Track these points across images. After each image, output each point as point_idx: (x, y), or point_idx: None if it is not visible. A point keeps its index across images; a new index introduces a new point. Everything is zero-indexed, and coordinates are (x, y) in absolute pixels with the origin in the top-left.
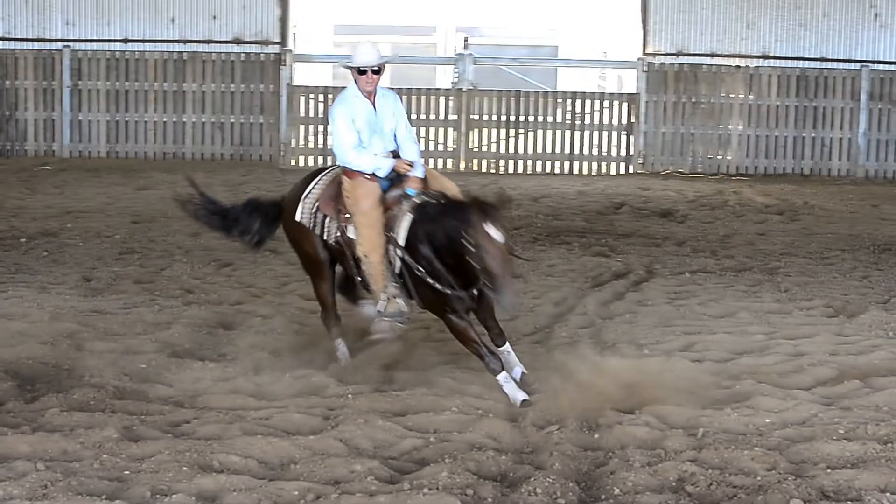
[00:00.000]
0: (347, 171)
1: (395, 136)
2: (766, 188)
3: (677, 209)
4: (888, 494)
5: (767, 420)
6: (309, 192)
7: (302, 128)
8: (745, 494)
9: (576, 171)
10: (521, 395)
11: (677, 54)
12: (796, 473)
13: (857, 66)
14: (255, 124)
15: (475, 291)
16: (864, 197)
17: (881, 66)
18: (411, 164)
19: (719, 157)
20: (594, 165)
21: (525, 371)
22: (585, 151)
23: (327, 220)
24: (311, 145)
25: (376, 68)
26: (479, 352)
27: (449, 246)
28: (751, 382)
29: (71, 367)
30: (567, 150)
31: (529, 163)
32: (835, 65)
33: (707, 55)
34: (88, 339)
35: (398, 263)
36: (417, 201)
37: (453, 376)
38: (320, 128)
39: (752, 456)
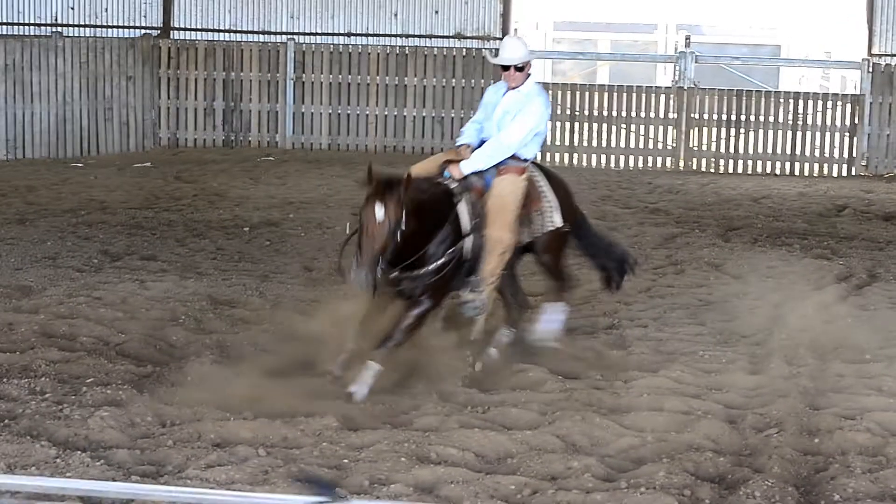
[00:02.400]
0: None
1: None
2: None
3: None
4: None
5: None
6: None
7: None
8: None
9: (797, 173)
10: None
11: None
12: None
13: None
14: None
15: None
16: None
17: None
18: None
19: None
20: (816, 167)
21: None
22: (807, 152)
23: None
24: None
25: (519, 65)
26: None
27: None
28: None
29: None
30: (788, 151)
31: (749, 163)
32: None
33: None
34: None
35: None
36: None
37: (672, 377)
38: None
39: None
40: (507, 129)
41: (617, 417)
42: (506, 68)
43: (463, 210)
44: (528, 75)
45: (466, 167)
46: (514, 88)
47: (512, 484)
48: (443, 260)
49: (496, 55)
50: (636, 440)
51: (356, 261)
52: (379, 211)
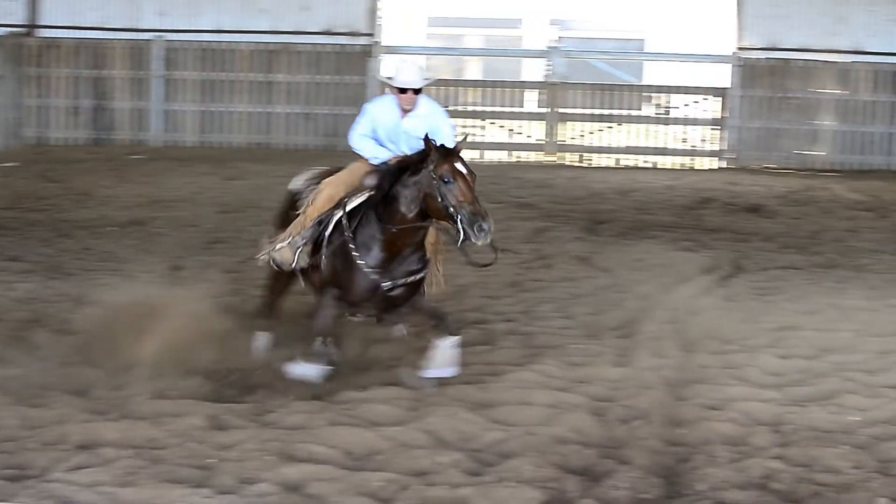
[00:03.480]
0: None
1: None
2: (857, 184)
3: (766, 205)
4: None
5: (854, 418)
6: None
7: None
8: (830, 492)
9: (664, 166)
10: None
11: (769, 49)
12: (883, 472)
13: None
14: (344, 115)
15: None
16: None
17: None
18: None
19: (809, 152)
20: (683, 160)
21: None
22: (675, 146)
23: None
24: None
25: (416, 88)
26: (323, 334)
27: (404, 196)
28: (838, 380)
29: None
30: (656, 145)
31: (618, 157)
32: None
33: (799, 50)
34: None
35: (328, 230)
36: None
37: (536, 370)
38: None
39: (839, 454)
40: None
41: (485, 412)
42: (403, 91)
43: None
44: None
45: None
46: (407, 111)
47: (379, 480)
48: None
49: (393, 79)
50: (504, 434)
51: (473, 218)
52: (465, 167)
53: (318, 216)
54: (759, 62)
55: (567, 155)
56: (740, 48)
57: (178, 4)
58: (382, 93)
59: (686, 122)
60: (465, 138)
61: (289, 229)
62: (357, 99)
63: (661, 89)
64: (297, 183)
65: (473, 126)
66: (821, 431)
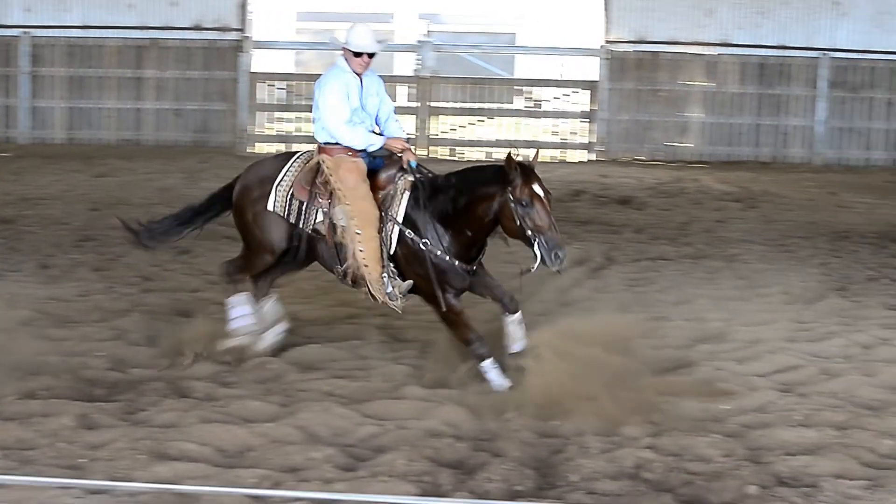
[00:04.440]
0: (326, 150)
1: (377, 117)
2: (725, 175)
3: (636, 196)
4: (844, 481)
5: (725, 407)
6: (281, 180)
7: (261, 115)
8: (701, 481)
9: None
10: (505, 383)
11: (637, 42)
12: (753, 460)
13: (817, 54)
14: (215, 111)
15: (473, 268)
16: (823, 185)
17: (840, 55)
18: (405, 142)
19: (679, 144)
20: (554, 153)
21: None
22: (545, 139)
23: (304, 206)
24: (270, 132)
25: (372, 52)
26: (468, 336)
27: (471, 213)
28: (708, 369)
29: (27, 355)
30: (527, 138)
31: (489, 150)
32: (794, 53)
33: (667, 42)
34: (45, 326)
35: (393, 242)
36: (413, 177)
37: (411, 363)
38: (279, 115)
39: (709, 442)
40: (393, 111)
41: (357, 406)
42: (359, 55)
43: None
44: None
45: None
46: (359, 74)
47: (252, 477)
48: None
49: (348, 42)
50: (377, 428)
51: (551, 244)
52: (542, 189)
53: (379, 246)
54: (627, 55)
55: (438, 149)
56: (609, 41)
57: (44, 0)
58: (250, 89)
59: (556, 115)
60: (537, 153)
61: (371, 267)
62: (227, 95)
63: (531, 83)
64: (274, 203)
65: None
66: (692, 421)
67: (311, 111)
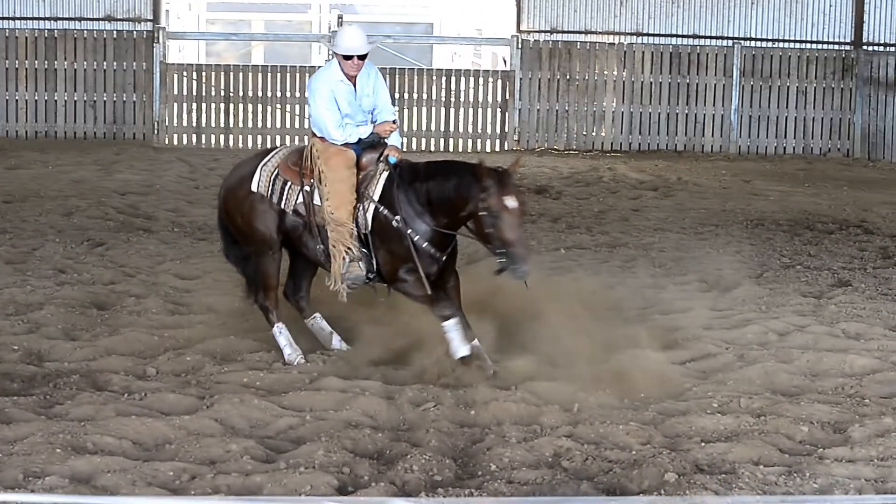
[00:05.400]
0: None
1: (372, 112)
2: (640, 164)
3: (552, 186)
4: (761, 467)
5: (642, 394)
6: (267, 161)
7: (175, 105)
8: (620, 469)
9: (451, 148)
10: (462, 350)
11: (551, 31)
12: (671, 447)
13: (730, 42)
14: (129, 102)
15: (443, 256)
16: (737, 172)
17: (753, 43)
18: (394, 124)
19: (593, 133)
20: (469, 142)
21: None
22: (461, 128)
23: (288, 186)
24: (184, 123)
25: (362, 54)
26: (431, 299)
27: (447, 203)
28: (626, 357)
29: None
30: (442, 128)
31: (405, 140)
32: (707, 41)
33: (581, 32)
34: None
35: (369, 220)
36: (394, 164)
37: (329, 354)
38: (194, 105)
39: (627, 430)
40: (389, 109)
41: (275, 398)
42: (349, 57)
43: None
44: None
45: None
46: (351, 76)
47: (170, 470)
48: None
49: (336, 45)
50: (295, 420)
51: (516, 259)
52: (514, 202)
53: (351, 221)
54: (541, 45)
55: None
56: (522, 31)
57: None
58: (164, 80)
59: (472, 104)
60: (518, 161)
61: (338, 249)
62: (141, 85)
63: (447, 73)
64: (258, 183)
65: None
66: (609, 409)
67: (223, 101)
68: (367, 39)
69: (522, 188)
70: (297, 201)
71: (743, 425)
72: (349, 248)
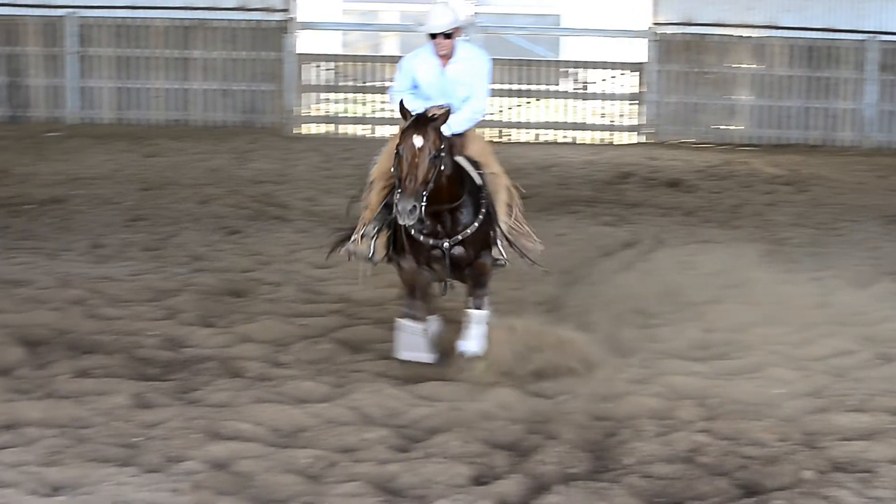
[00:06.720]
0: None
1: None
2: (775, 159)
3: (685, 179)
4: None
5: (779, 391)
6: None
7: (307, 96)
8: (756, 465)
9: (583, 141)
10: (402, 353)
11: (685, 24)
12: (808, 444)
13: (865, 36)
14: (261, 92)
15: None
16: (872, 168)
17: (888, 37)
18: (441, 108)
19: (727, 127)
20: (602, 135)
21: (471, 352)
22: (593, 121)
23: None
24: (317, 113)
25: (447, 33)
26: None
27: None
28: (762, 353)
29: (81, 334)
30: (574, 120)
31: (537, 132)
32: (842, 35)
33: (715, 25)
34: (97, 305)
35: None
36: None
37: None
38: (326, 95)
39: (764, 427)
40: (475, 97)
41: (410, 387)
42: (434, 36)
43: (464, 162)
44: (456, 41)
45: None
46: (444, 56)
47: (306, 457)
48: (483, 210)
49: (423, 23)
50: (430, 410)
51: (399, 194)
52: (418, 140)
53: (382, 201)
54: (674, 37)
55: (486, 130)
56: (656, 23)
57: None
58: (298, 68)
59: (604, 97)
60: (447, 112)
61: (362, 215)
62: (274, 76)
63: (578, 65)
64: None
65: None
66: (746, 405)
67: (356, 92)
68: (454, 18)
69: (431, 127)
70: None
71: (881, 424)
72: (370, 224)
